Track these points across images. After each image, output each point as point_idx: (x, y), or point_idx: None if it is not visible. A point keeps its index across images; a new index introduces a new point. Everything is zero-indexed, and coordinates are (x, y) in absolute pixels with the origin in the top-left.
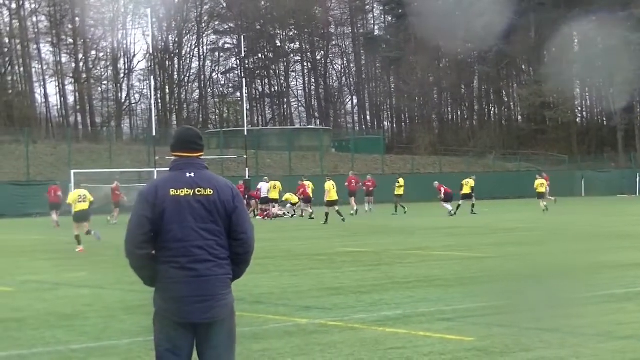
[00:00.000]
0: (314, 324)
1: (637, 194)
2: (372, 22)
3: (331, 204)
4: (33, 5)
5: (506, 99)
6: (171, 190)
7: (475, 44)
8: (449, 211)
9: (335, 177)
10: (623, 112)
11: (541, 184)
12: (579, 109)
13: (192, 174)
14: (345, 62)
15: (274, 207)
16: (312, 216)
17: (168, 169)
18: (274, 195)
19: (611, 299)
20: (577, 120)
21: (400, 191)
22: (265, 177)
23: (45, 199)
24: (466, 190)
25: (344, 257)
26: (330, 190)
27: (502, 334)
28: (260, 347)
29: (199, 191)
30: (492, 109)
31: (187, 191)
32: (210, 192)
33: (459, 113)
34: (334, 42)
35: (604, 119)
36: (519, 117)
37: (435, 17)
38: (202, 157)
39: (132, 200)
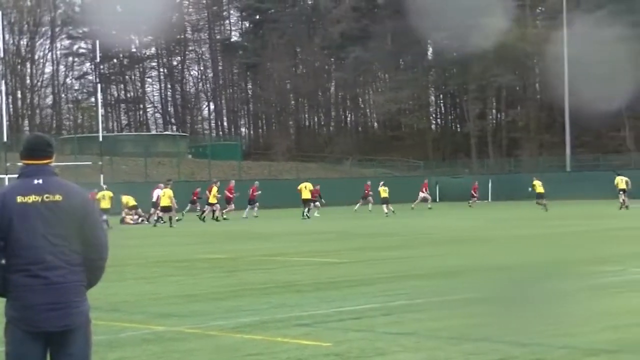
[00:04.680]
0: (171, 331)
1: (489, 200)
2: (229, 28)
3: (165, 209)
4: None
5: (362, 106)
6: (18, 197)
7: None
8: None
9: (191, 183)
10: (476, 119)
11: (384, 190)
12: (434, 115)
13: (40, 181)
14: (202, 67)
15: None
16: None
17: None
18: (106, 204)
19: (465, 302)
20: (432, 126)
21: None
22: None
23: None
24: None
25: (202, 264)
26: (163, 197)
27: (359, 338)
28: (116, 355)
29: (47, 197)
30: (349, 115)
31: (35, 198)
32: (59, 197)
33: (316, 119)
34: (190, 48)
35: (458, 125)
36: (375, 124)
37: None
38: (56, 164)
39: None
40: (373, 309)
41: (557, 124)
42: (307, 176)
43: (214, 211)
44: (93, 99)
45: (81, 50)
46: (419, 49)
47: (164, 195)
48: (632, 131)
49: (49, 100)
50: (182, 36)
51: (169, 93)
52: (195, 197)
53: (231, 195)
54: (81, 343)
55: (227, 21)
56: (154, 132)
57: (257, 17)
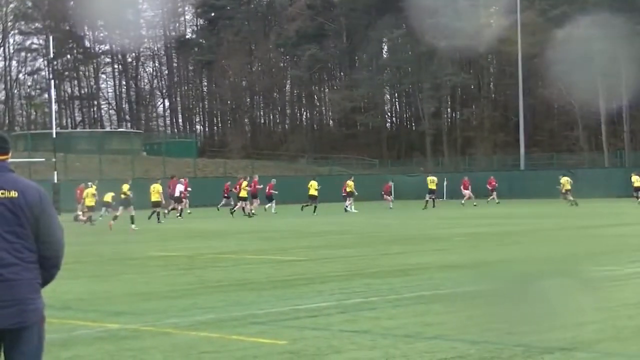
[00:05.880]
0: (126, 329)
1: (444, 198)
2: (184, 24)
3: (156, 204)
4: None
5: (318, 103)
6: None
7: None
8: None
9: (146, 180)
10: (431, 117)
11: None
12: (389, 114)
13: None
14: (157, 64)
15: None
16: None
17: None
18: (91, 202)
19: (420, 300)
20: (387, 125)
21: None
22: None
23: None
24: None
25: (156, 262)
26: (152, 192)
27: (314, 336)
28: (69, 354)
29: (2, 194)
30: (304, 113)
31: None
32: (14, 194)
33: (271, 117)
34: (145, 45)
35: (413, 124)
36: (331, 122)
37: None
38: (8, 161)
39: None
40: (329, 307)
41: (511, 123)
42: (262, 174)
43: (243, 207)
44: (46, 95)
45: (34, 46)
46: (374, 48)
47: (153, 190)
48: (585, 130)
49: (1, 96)
50: (137, 32)
51: (123, 90)
52: (226, 192)
53: (257, 189)
54: (34, 341)
55: (182, 18)
56: (108, 129)
57: (212, 14)
